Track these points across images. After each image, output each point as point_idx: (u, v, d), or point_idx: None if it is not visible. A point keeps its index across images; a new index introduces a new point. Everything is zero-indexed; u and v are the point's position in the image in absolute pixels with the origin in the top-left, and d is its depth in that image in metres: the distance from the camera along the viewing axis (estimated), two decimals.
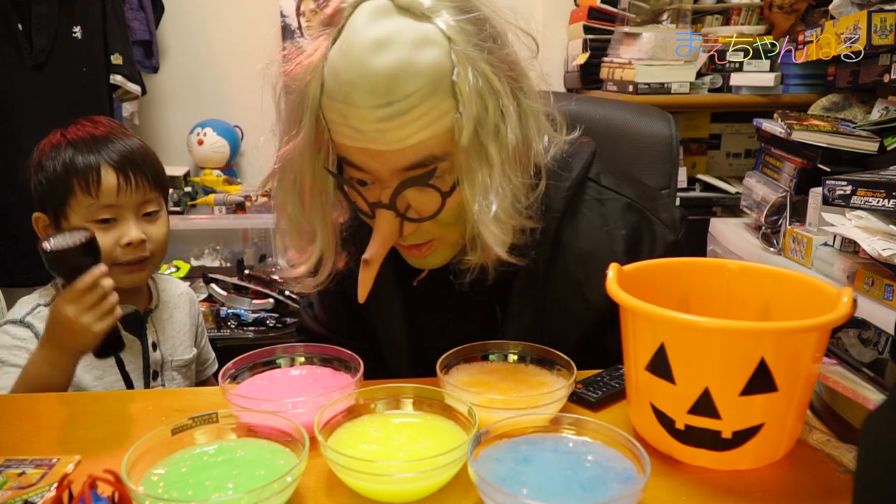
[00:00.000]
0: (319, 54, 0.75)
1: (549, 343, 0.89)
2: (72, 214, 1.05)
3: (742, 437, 0.66)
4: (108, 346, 0.97)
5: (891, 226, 1.32)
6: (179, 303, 1.23)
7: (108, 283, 0.94)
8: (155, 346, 1.16)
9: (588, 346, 0.92)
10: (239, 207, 2.54)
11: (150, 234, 1.09)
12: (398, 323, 0.97)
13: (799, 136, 1.62)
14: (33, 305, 1.09)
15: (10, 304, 1.41)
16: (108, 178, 1.05)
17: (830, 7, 1.76)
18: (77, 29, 2.07)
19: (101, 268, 0.93)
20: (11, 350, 1.03)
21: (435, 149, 0.74)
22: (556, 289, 0.91)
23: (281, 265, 0.89)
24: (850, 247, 1.48)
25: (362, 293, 0.82)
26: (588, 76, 2.42)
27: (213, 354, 1.33)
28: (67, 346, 0.95)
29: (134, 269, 1.09)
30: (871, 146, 1.59)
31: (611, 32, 2.34)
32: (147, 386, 1.14)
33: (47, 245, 0.91)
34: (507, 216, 0.76)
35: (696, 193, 2.27)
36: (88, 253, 0.94)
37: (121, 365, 1.07)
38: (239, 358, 0.83)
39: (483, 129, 0.73)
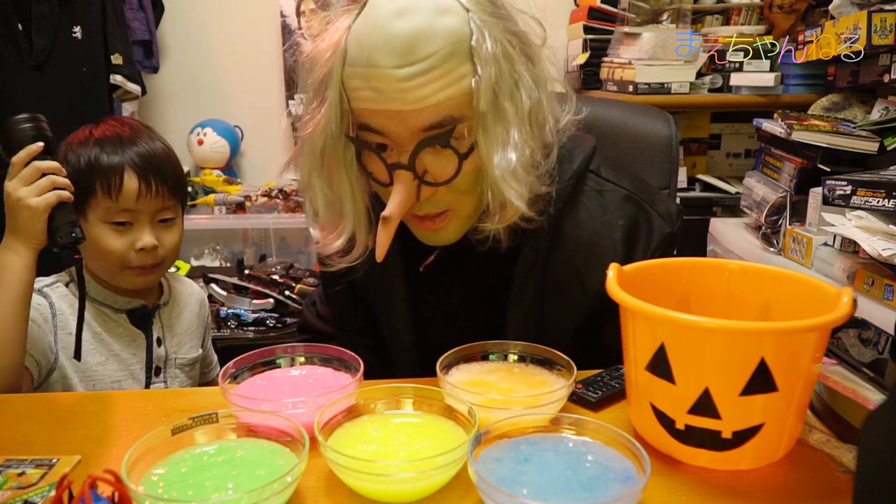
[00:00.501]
0: (342, 29, 0.79)
1: (547, 329, 0.92)
2: (90, 213, 1.07)
3: (742, 437, 0.66)
4: (59, 231, 0.95)
5: (891, 226, 1.32)
6: (189, 302, 1.24)
7: (48, 162, 0.94)
8: (160, 342, 1.16)
9: (585, 334, 0.95)
10: (239, 207, 2.54)
11: (163, 241, 1.10)
12: (402, 312, 0.98)
13: (799, 136, 1.62)
14: (52, 280, 1.11)
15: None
16: (130, 182, 1.06)
17: (830, 7, 1.76)
18: (77, 29, 2.07)
19: (38, 145, 0.94)
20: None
21: (453, 110, 0.77)
22: (555, 276, 0.93)
23: (316, 240, 0.90)
24: (850, 247, 1.48)
25: (380, 252, 0.83)
26: (588, 76, 2.42)
27: (216, 358, 1.33)
28: (16, 228, 0.95)
29: (145, 271, 1.10)
30: (871, 146, 1.59)
31: (611, 32, 2.34)
32: (149, 380, 1.15)
33: None
34: (524, 171, 0.80)
35: (696, 193, 2.27)
36: (33, 129, 0.94)
37: (79, 268, 1.03)
38: (239, 358, 0.83)
39: (500, 91, 0.77)
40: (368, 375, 1.03)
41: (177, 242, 1.14)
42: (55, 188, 0.94)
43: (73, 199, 1.02)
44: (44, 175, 0.93)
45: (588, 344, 0.94)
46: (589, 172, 0.95)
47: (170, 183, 1.10)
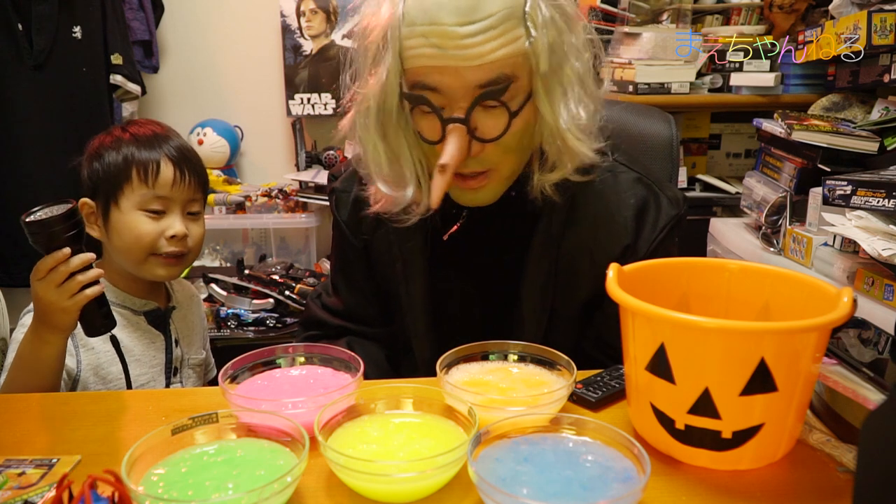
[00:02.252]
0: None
1: (559, 303, 0.99)
2: (124, 201, 1.09)
3: (742, 437, 0.66)
4: (92, 324, 0.96)
5: (891, 226, 1.32)
6: (192, 304, 1.27)
7: (75, 261, 0.93)
8: (177, 343, 1.19)
9: (592, 309, 1.00)
10: (239, 207, 2.54)
11: (192, 232, 1.14)
12: (421, 282, 1.02)
13: (799, 136, 1.62)
14: None
15: (9, 303, 1.41)
16: (167, 170, 1.10)
17: (830, 7, 1.76)
18: (77, 29, 2.07)
19: (65, 251, 0.92)
20: None
21: (506, 69, 0.82)
22: (568, 250, 0.98)
23: (382, 197, 0.93)
24: (850, 247, 1.47)
25: (435, 198, 0.86)
26: None
27: (213, 359, 1.34)
28: (47, 322, 0.95)
29: (171, 262, 1.12)
30: (871, 146, 1.59)
31: (611, 32, 2.34)
32: (168, 382, 1.17)
33: (27, 217, 0.91)
34: (588, 124, 0.87)
35: (696, 193, 2.27)
36: (70, 225, 0.93)
37: (116, 346, 1.08)
38: (239, 358, 0.83)
39: (555, 54, 0.83)
40: (377, 369, 1.05)
41: (202, 235, 1.17)
42: (85, 286, 0.94)
43: (109, 195, 1.07)
44: (73, 274, 0.93)
45: (592, 317, 1.00)
46: (603, 154, 0.99)
47: (199, 175, 1.15)
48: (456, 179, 0.89)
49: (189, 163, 1.13)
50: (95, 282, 0.95)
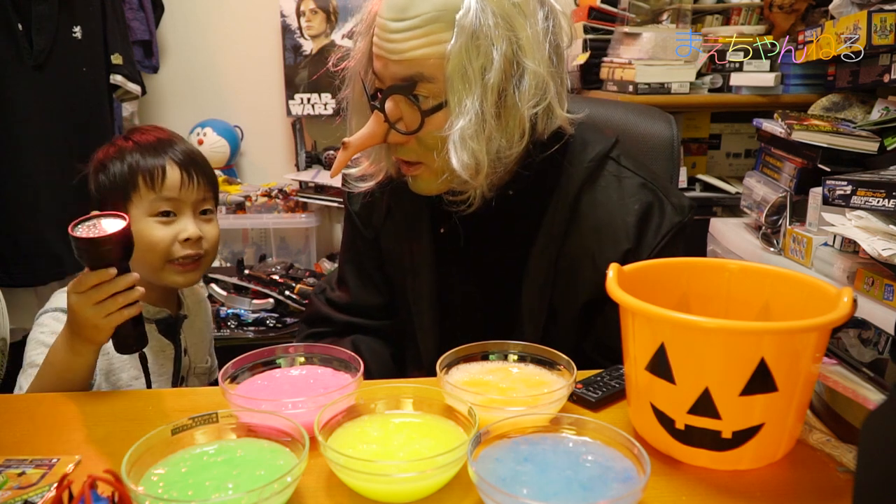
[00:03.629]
0: None
1: (558, 303, 0.99)
2: (133, 210, 1.07)
3: (742, 437, 0.66)
4: (125, 342, 0.94)
5: (891, 226, 1.32)
6: (200, 310, 1.25)
7: (121, 283, 0.90)
8: (185, 351, 1.18)
9: (592, 312, 1.00)
10: (239, 207, 2.54)
11: (206, 233, 1.11)
12: (427, 273, 1.04)
13: (799, 136, 1.62)
14: None
15: (9, 303, 1.41)
16: (173, 173, 1.08)
17: (830, 7, 1.76)
18: (77, 29, 2.07)
19: (111, 271, 0.89)
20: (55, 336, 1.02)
21: (424, 69, 0.86)
22: (570, 253, 0.99)
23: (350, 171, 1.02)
24: (850, 247, 1.47)
25: (334, 170, 0.94)
26: (588, 76, 2.42)
27: (216, 362, 1.33)
28: (80, 334, 0.94)
29: (188, 267, 1.10)
30: (871, 146, 1.59)
31: (611, 32, 2.34)
32: None
33: (77, 231, 0.88)
34: (472, 140, 0.86)
35: (696, 193, 2.27)
36: (121, 245, 0.90)
37: (144, 362, 1.05)
38: (239, 358, 0.83)
39: (469, 64, 0.84)
40: (383, 368, 1.07)
41: (217, 236, 1.15)
42: (123, 306, 0.91)
43: (117, 204, 1.05)
44: (114, 293, 0.90)
45: (592, 322, 1.00)
46: (609, 159, 1.01)
47: (207, 176, 1.13)
48: (400, 165, 0.96)
49: (196, 164, 1.11)
50: (135, 302, 0.92)
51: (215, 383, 1.29)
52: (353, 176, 1.03)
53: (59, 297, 1.11)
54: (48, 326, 1.06)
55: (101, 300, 0.89)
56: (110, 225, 0.89)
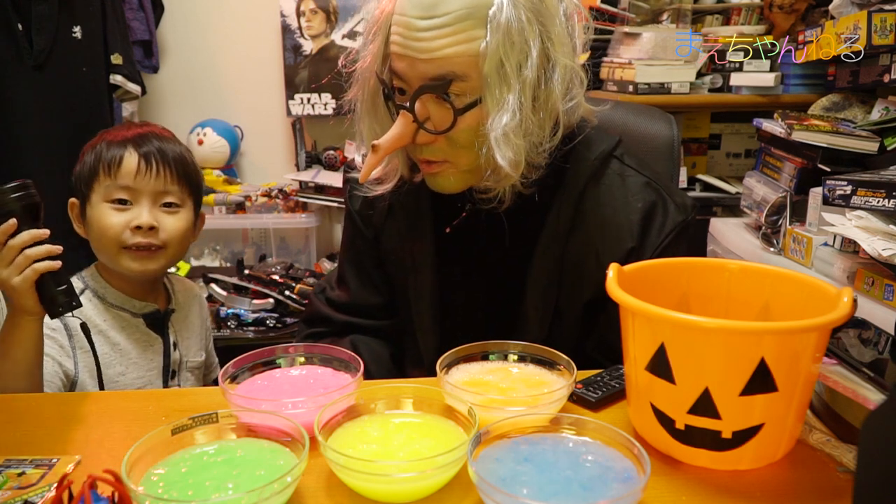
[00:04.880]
0: None
1: (562, 301, 0.99)
2: (94, 196, 1.09)
3: (742, 437, 0.66)
4: (51, 304, 0.94)
5: (891, 226, 1.32)
6: (193, 304, 1.25)
7: (23, 236, 0.91)
8: (175, 346, 1.17)
9: (594, 310, 1.00)
10: (239, 207, 2.54)
11: (164, 225, 1.10)
12: (429, 271, 1.04)
13: (799, 136, 1.62)
14: (80, 289, 1.11)
15: (9, 303, 1.41)
16: (130, 160, 1.08)
17: (830, 7, 1.76)
18: (77, 29, 2.07)
19: (10, 223, 0.91)
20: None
21: (456, 67, 0.85)
22: (574, 250, 0.99)
23: (359, 165, 1.00)
24: (850, 247, 1.47)
25: (364, 174, 0.92)
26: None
27: (216, 359, 1.34)
28: (13, 305, 0.95)
29: (142, 254, 1.08)
30: (871, 146, 1.59)
31: (611, 32, 2.34)
32: (165, 385, 1.16)
33: None
34: (517, 137, 0.86)
35: (696, 193, 2.27)
36: (18, 198, 0.92)
37: (87, 334, 1.05)
38: (239, 358, 0.83)
39: (507, 60, 0.84)
40: (382, 369, 1.07)
41: (180, 230, 1.12)
42: (36, 261, 0.92)
43: (84, 191, 1.05)
44: (22, 251, 0.92)
45: (595, 320, 1.01)
46: (613, 158, 1.01)
47: (173, 165, 1.10)
48: (421, 164, 0.94)
49: (157, 150, 1.09)
50: (52, 260, 0.93)
51: (216, 382, 1.29)
52: (369, 180, 1.01)
53: None
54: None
55: (13, 259, 0.91)
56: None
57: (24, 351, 0.96)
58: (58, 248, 0.94)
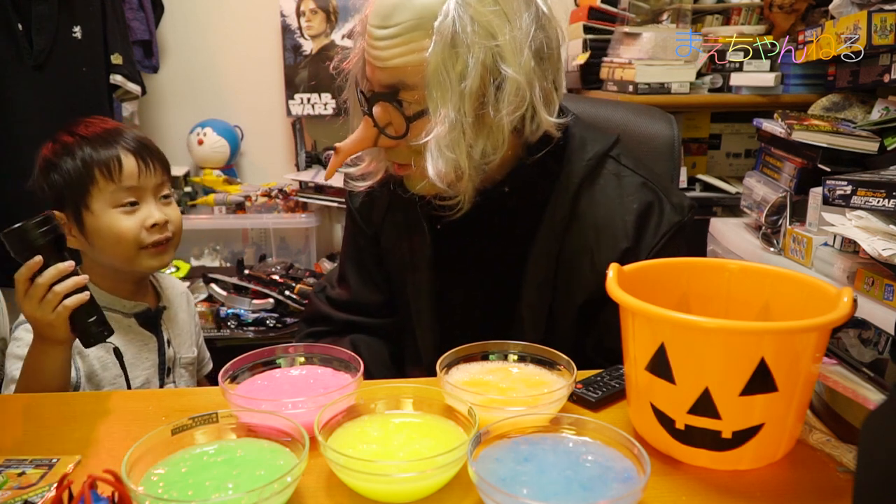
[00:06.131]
0: None
1: (557, 302, 0.99)
2: (94, 203, 1.07)
3: (742, 437, 0.66)
4: (85, 334, 0.95)
5: (891, 226, 1.32)
6: (181, 301, 1.25)
7: (50, 272, 0.92)
8: (169, 343, 1.18)
9: (589, 314, 1.00)
10: (239, 207, 2.54)
11: (170, 216, 1.13)
12: (426, 268, 1.04)
13: (799, 136, 1.62)
14: None
15: (9, 303, 1.41)
16: (129, 162, 1.08)
17: (830, 7, 1.76)
18: (77, 29, 2.07)
19: (36, 260, 0.92)
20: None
21: (407, 77, 0.86)
22: (569, 251, 0.99)
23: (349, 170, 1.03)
24: (850, 247, 1.47)
25: (327, 173, 0.97)
26: (588, 76, 2.42)
27: (208, 354, 1.34)
28: (42, 336, 0.96)
29: (160, 249, 1.11)
30: (871, 146, 1.59)
31: (611, 32, 2.34)
32: (162, 382, 1.16)
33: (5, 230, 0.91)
34: (448, 148, 0.86)
35: (696, 193, 2.27)
36: (43, 233, 0.92)
37: (120, 359, 1.07)
38: (239, 358, 0.83)
39: (446, 71, 0.83)
40: (382, 368, 1.07)
41: (180, 218, 1.16)
42: (67, 294, 0.93)
43: (77, 201, 1.04)
44: (52, 287, 0.93)
45: (592, 321, 1.00)
46: (609, 157, 1.01)
47: (161, 161, 1.13)
48: (392, 165, 0.97)
49: (148, 150, 1.11)
50: (82, 291, 0.94)
51: (214, 380, 1.29)
52: (353, 175, 1.04)
53: None
54: (22, 339, 1.06)
55: (43, 295, 0.92)
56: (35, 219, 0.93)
57: (53, 375, 0.97)
58: (84, 279, 0.95)
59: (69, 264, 0.94)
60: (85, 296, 0.94)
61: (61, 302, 0.92)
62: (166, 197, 1.14)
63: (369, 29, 0.87)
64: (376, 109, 0.89)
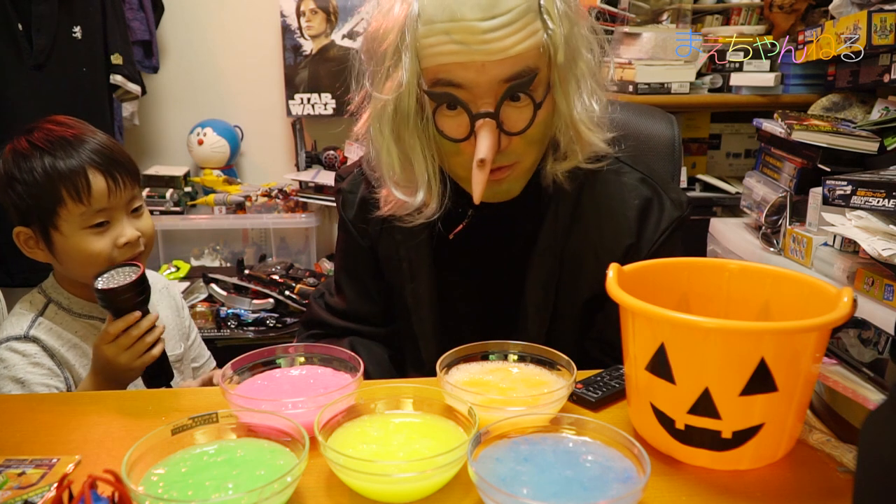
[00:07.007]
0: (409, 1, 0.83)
1: (561, 299, 0.99)
2: (63, 224, 1.03)
3: (742, 437, 0.66)
4: (155, 378, 1.04)
5: (891, 226, 1.32)
6: (161, 298, 1.23)
7: (144, 325, 1.00)
8: None
9: (594, 308, 1.00)
10: (239, 207, 2.54)
11: (142, 230, 1.08)
12: (427, 278, 1.03)
13: (799, 136, 1.62)
14: (32, 318, 1.08)
15: (10, 304, 1.41)
16: (98, 182, 1.02)
17: (830, 7, 1.76)
18: (77, 29, 2.07)
19: (135, 314, 0.99)
20: (27, 368, 1.03)
21: (529, 61, 0.83)
22: (573, 248, 0.99)
23: (393, 199, 0.94)
24: (850, 247, 1.47)
25: (477, 193, 0.87)
26: None
27: (208, 353, 1.33)
28: (109, 378, 1.01)
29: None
30: (871, 146, 1.59)
31: (611, 32, 2.34)
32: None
33: (98, 283, 0.98)
34: (600, 118, 0.91)
35: (696, 193, 2.27)
36: (138, 291, 0.99)
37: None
38: (239, 358, 0.83)
39: (570, 47, 0.85)
40: (380, 369, 1.07)
41: (152, 226, 1.11)
42: (152, 344, 1.01)
43: (44, 220, 1.04)
44: (140, 337, 1.00)
45: (593, 317, 1.01)
46: (609, 155, 1.00)
47: (131, 173, 1.08)
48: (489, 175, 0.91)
49: (117, 164, 1.04)
50: (158, 340, 1.02)
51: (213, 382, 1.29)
52: (409, 207, 0.92)
53: (10, 324, 1.08)
54: (8, 360, 1.04)
55: (131, 345, 0.99)
56: (127, 273, 1.00)
57: None
58: (163, 328, 1.04)
59: (155, 316, 1.02)
60: (163, 344, 1.03)
61: (148, 351, 1.01)
62: (137, 209, 1.09)
63: (467, 25, 0.79)
64: (505, 107, 0.84)
